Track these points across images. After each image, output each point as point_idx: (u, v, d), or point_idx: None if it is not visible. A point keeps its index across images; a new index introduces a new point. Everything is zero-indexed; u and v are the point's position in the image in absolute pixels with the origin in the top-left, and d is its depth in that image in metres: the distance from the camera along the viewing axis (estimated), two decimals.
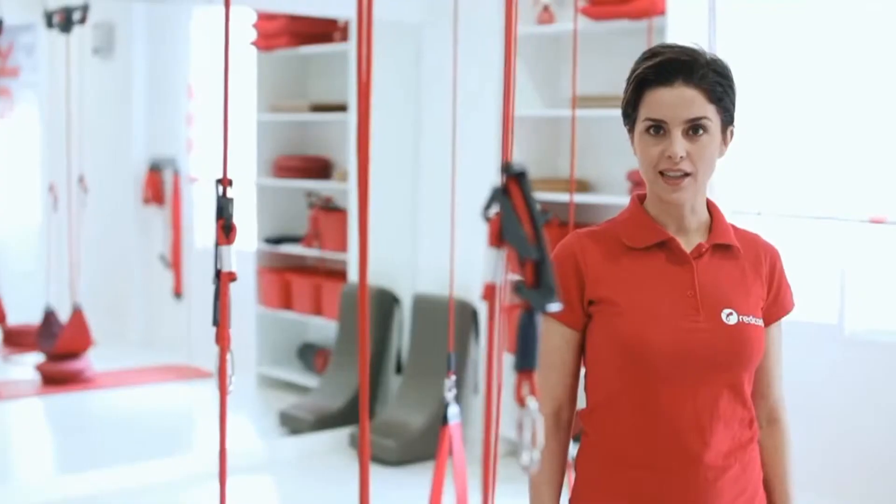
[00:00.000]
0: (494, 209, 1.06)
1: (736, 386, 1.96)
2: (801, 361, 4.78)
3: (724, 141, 1.98)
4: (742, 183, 4.99)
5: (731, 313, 1.95)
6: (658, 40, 4.69)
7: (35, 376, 7.07)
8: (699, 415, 1.93)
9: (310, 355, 6.92)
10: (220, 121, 1.51)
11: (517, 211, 1.04)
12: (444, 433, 3.43)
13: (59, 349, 6.98)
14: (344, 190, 6.62)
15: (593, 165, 5.45)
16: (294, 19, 6.68)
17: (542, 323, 1.11)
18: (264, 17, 6.88)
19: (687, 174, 1.93)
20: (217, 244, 1.39)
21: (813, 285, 4.82)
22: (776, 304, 2.05)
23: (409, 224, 6.17)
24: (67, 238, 7.33)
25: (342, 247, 6.57)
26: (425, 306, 5.93)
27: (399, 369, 6.13)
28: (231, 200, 1.41)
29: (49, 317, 7.24)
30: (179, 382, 7.33)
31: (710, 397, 1.94)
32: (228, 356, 1.47)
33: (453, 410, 3.46)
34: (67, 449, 6.04)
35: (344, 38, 6.54)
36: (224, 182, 1.42)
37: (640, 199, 2.05)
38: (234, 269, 1.44)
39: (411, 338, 6.01)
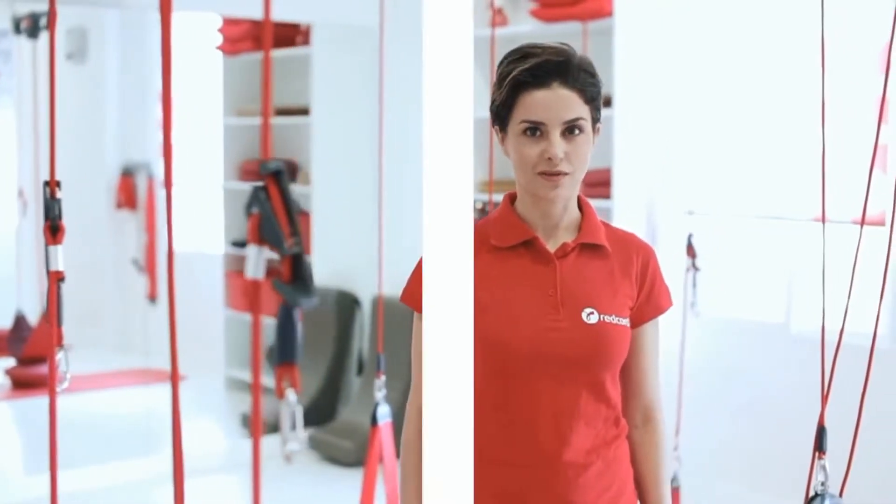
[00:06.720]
0: (254, 207, 1.09)
1: (597, 385, 1.96)
2: (749, 360, 4.81)
3: (593, 138, 2.01)
4: (688, 183, 5.01)
5: (591, 312, 1.95)
6: (601, 42, 4.72)
7: (4, 380, 7.10)
8: (558, 413, 1.94)
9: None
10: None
11: (275, 208, 1.07)
12: (374, 434, 3.45)
13: (27, 353, 7.02)
14: (308, 193, 6.64)
15: None
16: (258, 24, 6.71)
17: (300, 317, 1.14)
18: (229, 22, 6.91)
19: (566, 173, 1.94)
20: (46, 244, 1.43)
21: (759, 284, 4.84)
22: (649, 303, 2.04)
23: (372, 226, 6.20)
24: (37, 242, 7.37)
25: (306, 249, 6.58)
26: (385, 307, 5.96)
27: (360, 371, 6.15)
28: (58, 202, 1.44)
29: (19, 321, 7.27)
30: (150, 385, 7.35)
31: (569, 396, 1.94)
32: (61, 355, 1.50)
33: (383, 410, 3.49)
34: (37, 451, 6.07)
35: (306, 42, 6.58)
36: (52, 185, 1.45)
37: (510, 199, 2.05)
38: (61, 269, 1.47)
39: (371, 339, 6.03)
